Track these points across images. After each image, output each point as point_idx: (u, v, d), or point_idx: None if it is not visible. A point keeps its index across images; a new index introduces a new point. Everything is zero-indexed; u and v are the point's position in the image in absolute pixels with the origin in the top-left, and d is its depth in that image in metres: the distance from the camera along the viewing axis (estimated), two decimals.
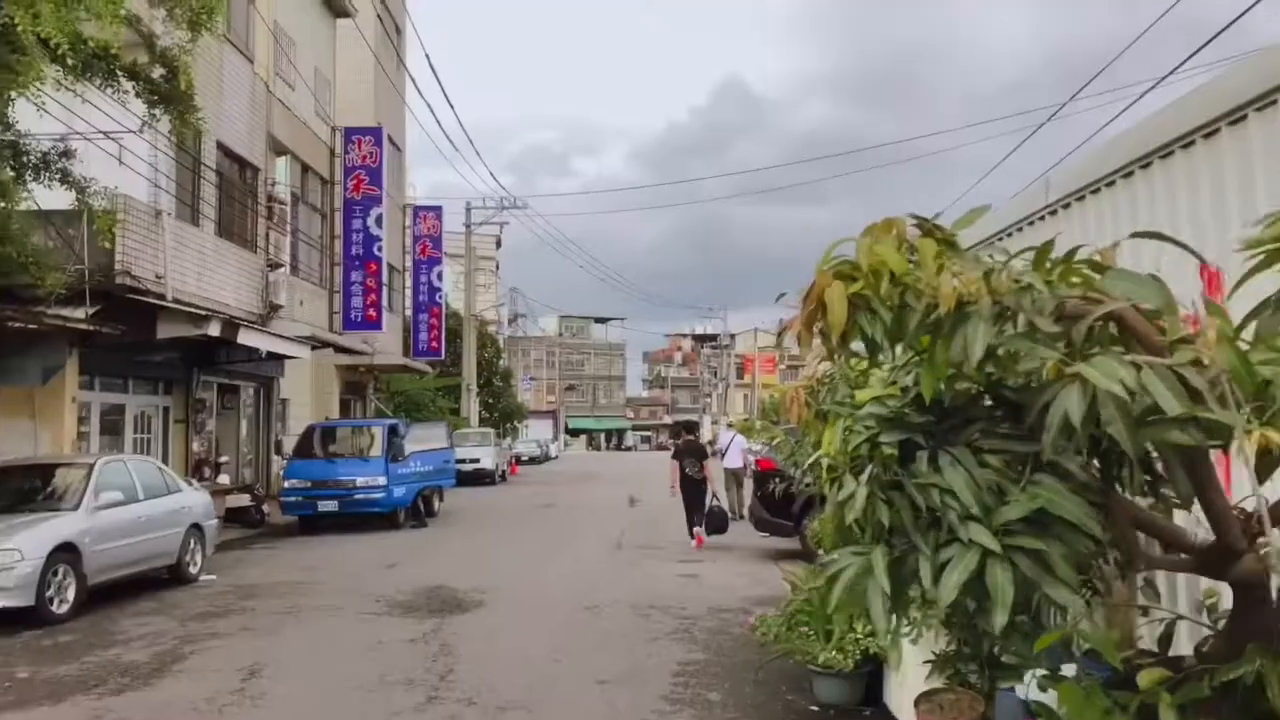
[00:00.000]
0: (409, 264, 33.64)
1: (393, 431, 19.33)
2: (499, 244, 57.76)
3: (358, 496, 17.98)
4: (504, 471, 36.07)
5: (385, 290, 26.28)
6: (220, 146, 18.71)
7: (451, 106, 55.77)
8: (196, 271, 17.49)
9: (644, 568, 13.24)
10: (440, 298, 34.60)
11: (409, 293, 33.81)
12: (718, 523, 15.03)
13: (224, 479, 18.60)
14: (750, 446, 17.90)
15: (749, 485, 16.66)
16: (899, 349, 3.01)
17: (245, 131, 19.83)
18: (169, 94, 11.00)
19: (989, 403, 3.06)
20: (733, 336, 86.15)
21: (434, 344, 33.90)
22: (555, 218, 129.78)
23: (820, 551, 10.46)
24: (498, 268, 61.72)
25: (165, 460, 19.45)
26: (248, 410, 23.41)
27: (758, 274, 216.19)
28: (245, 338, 17.42)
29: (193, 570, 12.13)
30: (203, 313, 16.37)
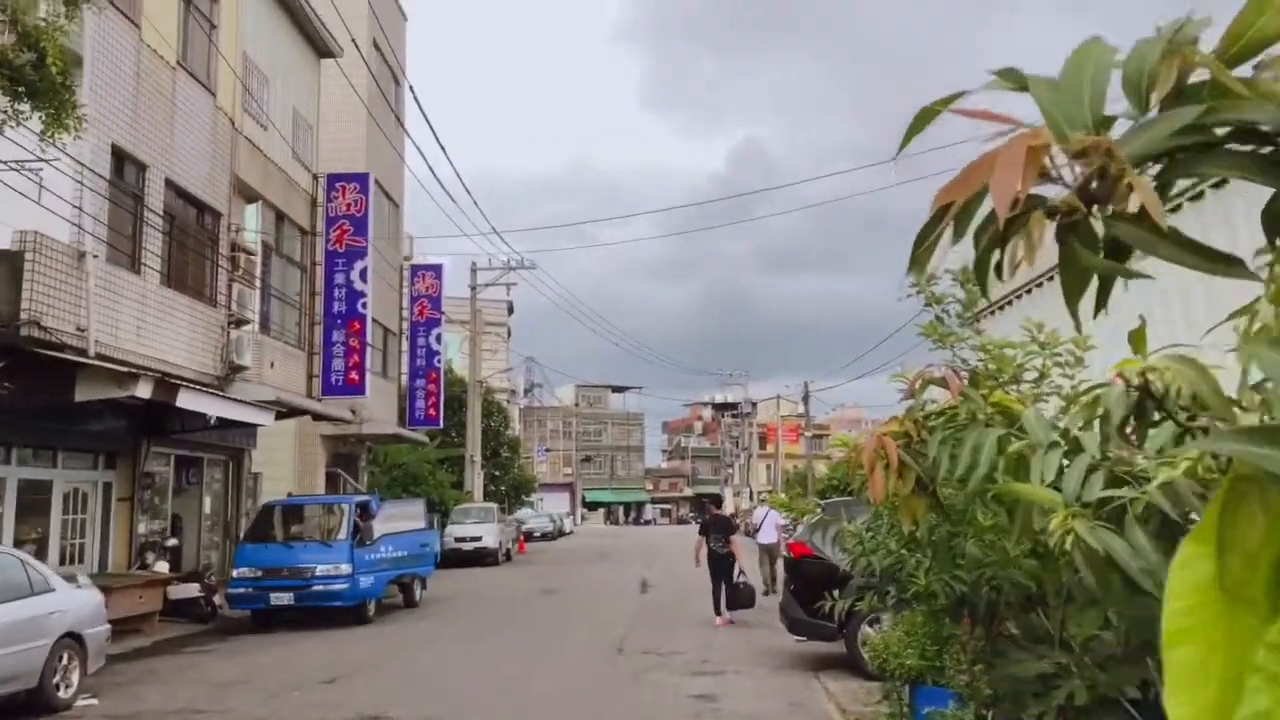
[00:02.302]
0: (406, 327, 31.33)
1: (362, 511, 16.64)
2: (511, 309, 55.52)
3: (316, 588, 15.21)
4: (509, 550, 33.18)
5: (371, 351, 23.83)
6: (171, 185, 16.45)
7: (445, 153, 53.93)
8: (135, 326, 15.12)
9: (648, 683, 10.42)
10: (439, 362, 32.13)
11: (406, 357, 31.42)
12: (743, 600, 14.96)
13: (162, 566, 15.88)
14: (784, 522, 16.12)
15: (781, 567, 14.87)
16: None
17: (204, 170, 17.60)
18: (37, 85, 8.66)
19: None
20: (754, 405, 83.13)
21: (431, 412, 31.32)
22: (572, 284, 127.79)
23: (885, 674, 7.73)
24: (509, 334, 59.46)
25: (104, 544, 16.90)
26: (213, 486, 20.89)
27: (778, 342, 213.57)
28: (187, 401, 14.88)
29: (64, 694, 9.39)
30: (130, 371, 13.92)
